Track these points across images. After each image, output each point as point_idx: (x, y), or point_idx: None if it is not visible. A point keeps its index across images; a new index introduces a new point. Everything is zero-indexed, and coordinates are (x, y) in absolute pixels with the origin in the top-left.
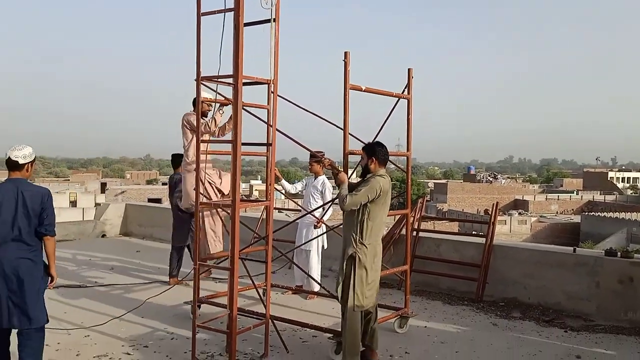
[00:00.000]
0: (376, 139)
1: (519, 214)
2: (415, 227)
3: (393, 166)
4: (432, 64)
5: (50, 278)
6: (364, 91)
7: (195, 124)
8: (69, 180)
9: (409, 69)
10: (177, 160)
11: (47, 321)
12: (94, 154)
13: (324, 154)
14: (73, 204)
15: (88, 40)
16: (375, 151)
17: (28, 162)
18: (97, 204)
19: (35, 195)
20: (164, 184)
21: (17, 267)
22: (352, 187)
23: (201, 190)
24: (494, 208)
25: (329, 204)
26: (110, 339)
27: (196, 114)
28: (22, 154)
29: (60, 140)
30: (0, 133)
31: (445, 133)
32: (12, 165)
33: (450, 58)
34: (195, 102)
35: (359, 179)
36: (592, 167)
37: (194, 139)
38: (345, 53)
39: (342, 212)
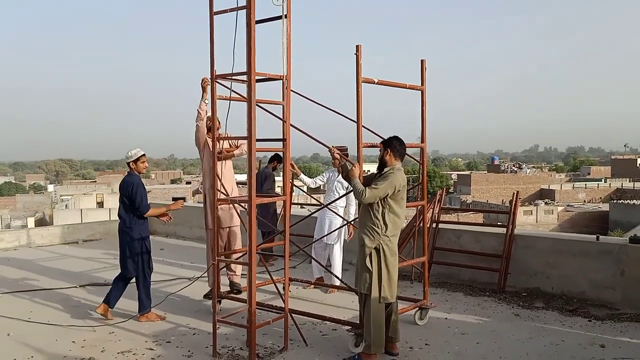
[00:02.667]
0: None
1: (545, 203)
2: (435, 219)
3: (412, 160)
4: (454, 53)
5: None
6: (377, 84)
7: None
8: (95, 181)
9: (422, 60)
10: (273, 157)
11: (135, 271)
12: (120, 155)
13: (346, 149)
14: (100, 204)
15: (111, 45)
16: (392, 144)
17: (131, 161)
18: None
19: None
20: (187, 183)
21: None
22: (367, 180)
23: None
24: (515, 197)
25: (352, 205)
26: (134, 335)
27: (211, 112)
28: (126, 156)
29: (87, 143)
30: (31, 139)
31: (468, 124)
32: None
33: (471, 47)
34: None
35: (370, 172)
36: (620, 154)
37: (207, 146)
38: (357, 46)
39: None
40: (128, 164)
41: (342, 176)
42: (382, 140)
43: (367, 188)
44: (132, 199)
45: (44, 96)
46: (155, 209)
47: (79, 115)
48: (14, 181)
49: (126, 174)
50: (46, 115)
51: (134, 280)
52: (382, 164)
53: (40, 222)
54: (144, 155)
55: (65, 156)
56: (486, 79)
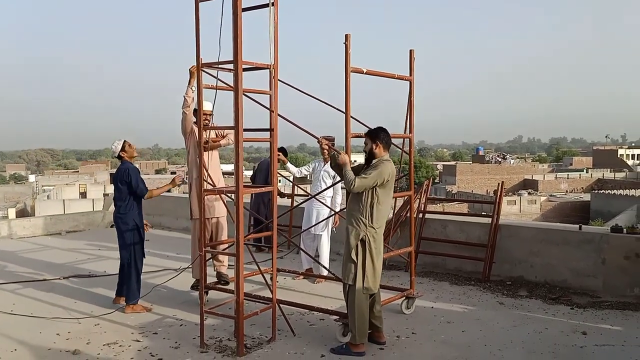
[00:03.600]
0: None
1: (529, 193)
2: (422, 209)
3: (398, 149)
4: (438, 43)
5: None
6: (366, 74)
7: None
8: (78, 171)
9: (410, 51)
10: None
11: (127, 259)
12: (103, 145)
13: (333, 139)
14: (83, 195)
15: (93, 30)
16: (379, 136)
17: (119, 153)
18: (105, 195)
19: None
20: (172, 173)
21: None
22: (356, 171)
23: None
24: (500, 187)
25: (339, 194)
26: (119, 327)
27: (198, 104)
28: (112, 152)
29: (69, 132)
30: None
31: (453, 115)
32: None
33: (456, 37)
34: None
35: (358, 163)
36: (601, 145)
37: (193, 135)
38: (346, 36)
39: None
40: (118, 157)
41: (331, 166)
42: (367, 130)
43: (356, 177)
44: (129, 183)
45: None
46: (156, 189)
47: (59, 101)
48: None
49: (120, 164)
50: (22, 101)
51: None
52: (371, 156)
53: (22, 213)
54: (125, 141)
55: (47, 146)
56: (470, 70)
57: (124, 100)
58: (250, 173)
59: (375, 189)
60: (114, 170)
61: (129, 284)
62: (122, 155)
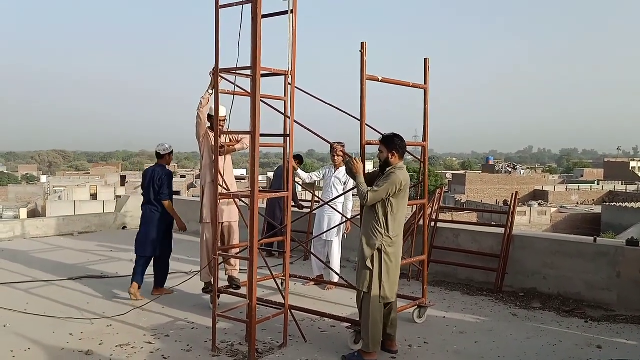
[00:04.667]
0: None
1: (539, 204)
2: (433, 217)
3: (410, 157)
4: (449, 48)
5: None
6: (381, 81)
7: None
8: (89, 173)
9: (425, 59)
10: (295, 157)
11: (148, 253)
12: (114, 147)
13: (344, 145)
14: (93, 196)
15: (104, 36)
16: (395, 144)
17: (166, 154)
18: (117, 197)
19: (157, 174)
20: (182, 176)
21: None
22: (371, 178)
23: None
24: (513, 198)
25: (350, 200)
26: (132, 329)
27: (215, 108)
28: (162, 149)
29: (81, 135)
30: (23, 128)
31: (463, 124)
32: (156, 155)
33: (469, 46)
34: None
35: (373, 170)
36: (613, 157)
37: (207, 139)
38: (362, 44)
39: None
40: (161, 156)
41: (347, 172)
42: (382, 137)
43: (369, 191)
44: (162, 184)
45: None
46: (173, 210)
47: (72, 106)
48: (6, 171)
49: (155, 164)
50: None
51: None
52: (386, 164)
53: (33, 213)
54: (172, 151)
55: (59, 147)
56: (481, 79)
57: (137, 107)
58: (262, 178)
59: (389, 198)
60: (124, 173)
61: (160, 273)
62: (165, 158)
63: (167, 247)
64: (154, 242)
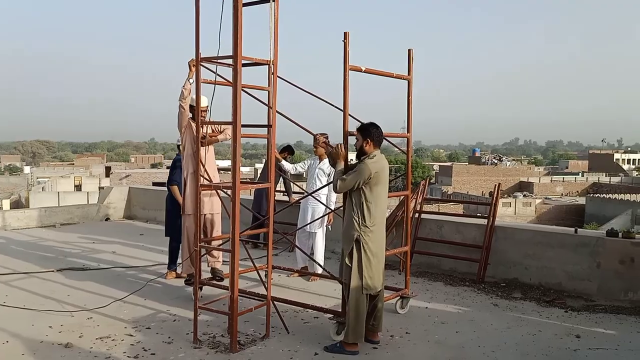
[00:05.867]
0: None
1: (524, 196)
2: (418, 209)
3: (396, 149)
4: (438, 42)
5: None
6: (364, 72)
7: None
8: (73, 164)
9: (409, 50)
10: (285, 148)
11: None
12: (99, 138)
13: (327, 136)
14: (78, 187)
15: (89, 21)
16: (370, 132)
17: (179, 145)
18: (101, 188)
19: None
20: (167, 167)
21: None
22: (351, 168)
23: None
24: (496, 189)
25: (333, 192)
26: (113, 321)
27: (196, 98)
28: (177, 139)
29: (65, 124)
30: (6, 118)
31: (450, 115)
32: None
33: (455, 36)
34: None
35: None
36: (597, 149)
37: (189, 129)
38: (345, 33)
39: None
40: (178, 146)
41: (331, 164)
42: (358, 126)
43: (338, 179)
44: (171, 170)
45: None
46: (179, 193)
47: (57, 94)
48: None
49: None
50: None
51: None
52: (361, 153)
53: (16, 205)
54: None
55: (43, 137)
56: (469, 71)
57: (122, 94)
58: (246, 169)
59: (362, 188)
60: (109, 164)
61: (176, 253)
62: (179, 148)
63: (177, 230)
64: (165, 224)
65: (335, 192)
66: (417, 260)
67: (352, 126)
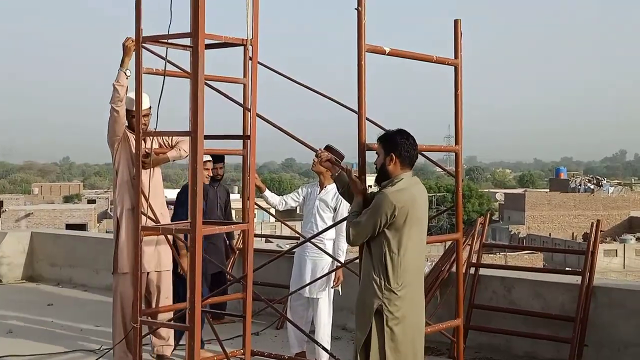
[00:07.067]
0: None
1: (637, 239)
2: (474, 261)
3: (438, 169)
4: (490, 13)
5: None
6: (388, 55)
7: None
8: None
9: (455, 21)
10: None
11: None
12: None
13: (342, 155)
14: None
15: None
16: (396, 144)
17: None
18: None
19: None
20: (90, 202)
21: None
22: (369, 202)
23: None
24: (595, 229)
25: (343, 234)
26: None
27: (136, 99)
28: None
29: None
30: None
31: (522, 121)
32: None
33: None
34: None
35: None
36: None
37: (125, 144)
38: None
39: None
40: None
41: (339, 192)
42: (380, 136)
43: (351, 225)
44: None
45: None
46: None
47: None
48: None
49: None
50: None
51: None
52: (383, 175)
53: None
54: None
55: None
56: (546, 56)
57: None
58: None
59: (384, 232)
60: (1, 197)
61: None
62: None
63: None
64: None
65: (350, 245)
66: (475, 339)
67: (372, 136)
